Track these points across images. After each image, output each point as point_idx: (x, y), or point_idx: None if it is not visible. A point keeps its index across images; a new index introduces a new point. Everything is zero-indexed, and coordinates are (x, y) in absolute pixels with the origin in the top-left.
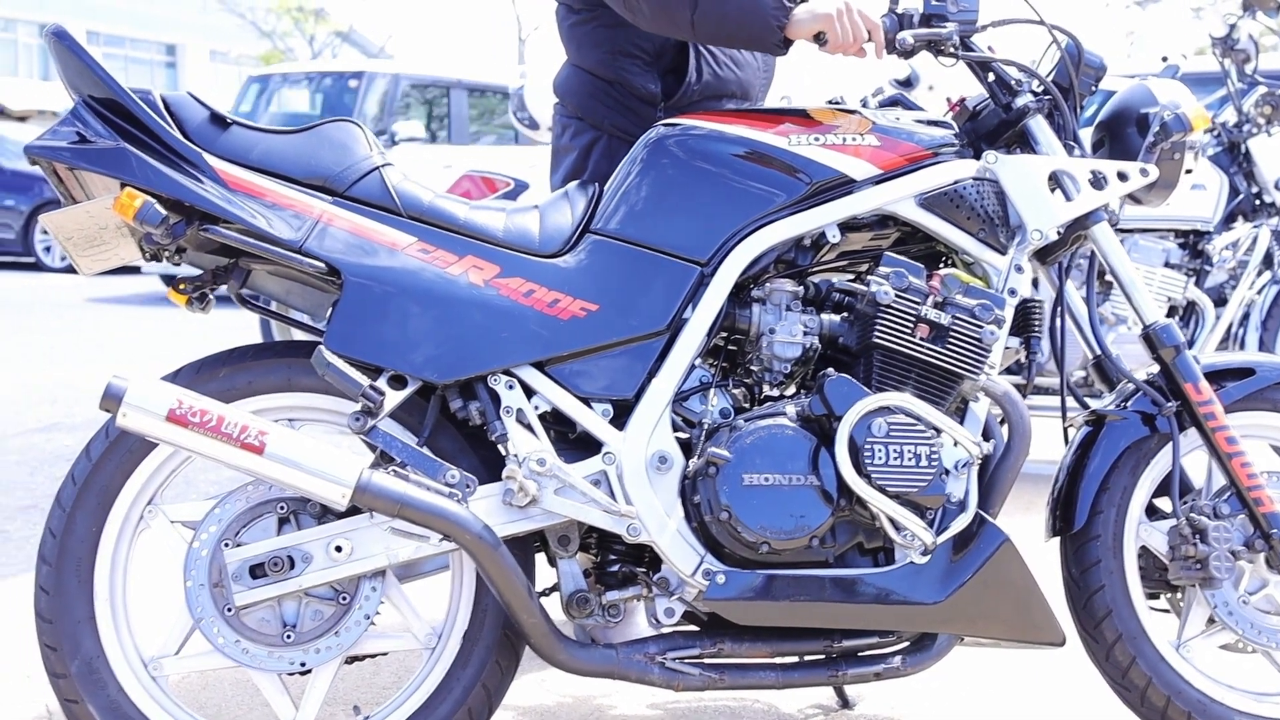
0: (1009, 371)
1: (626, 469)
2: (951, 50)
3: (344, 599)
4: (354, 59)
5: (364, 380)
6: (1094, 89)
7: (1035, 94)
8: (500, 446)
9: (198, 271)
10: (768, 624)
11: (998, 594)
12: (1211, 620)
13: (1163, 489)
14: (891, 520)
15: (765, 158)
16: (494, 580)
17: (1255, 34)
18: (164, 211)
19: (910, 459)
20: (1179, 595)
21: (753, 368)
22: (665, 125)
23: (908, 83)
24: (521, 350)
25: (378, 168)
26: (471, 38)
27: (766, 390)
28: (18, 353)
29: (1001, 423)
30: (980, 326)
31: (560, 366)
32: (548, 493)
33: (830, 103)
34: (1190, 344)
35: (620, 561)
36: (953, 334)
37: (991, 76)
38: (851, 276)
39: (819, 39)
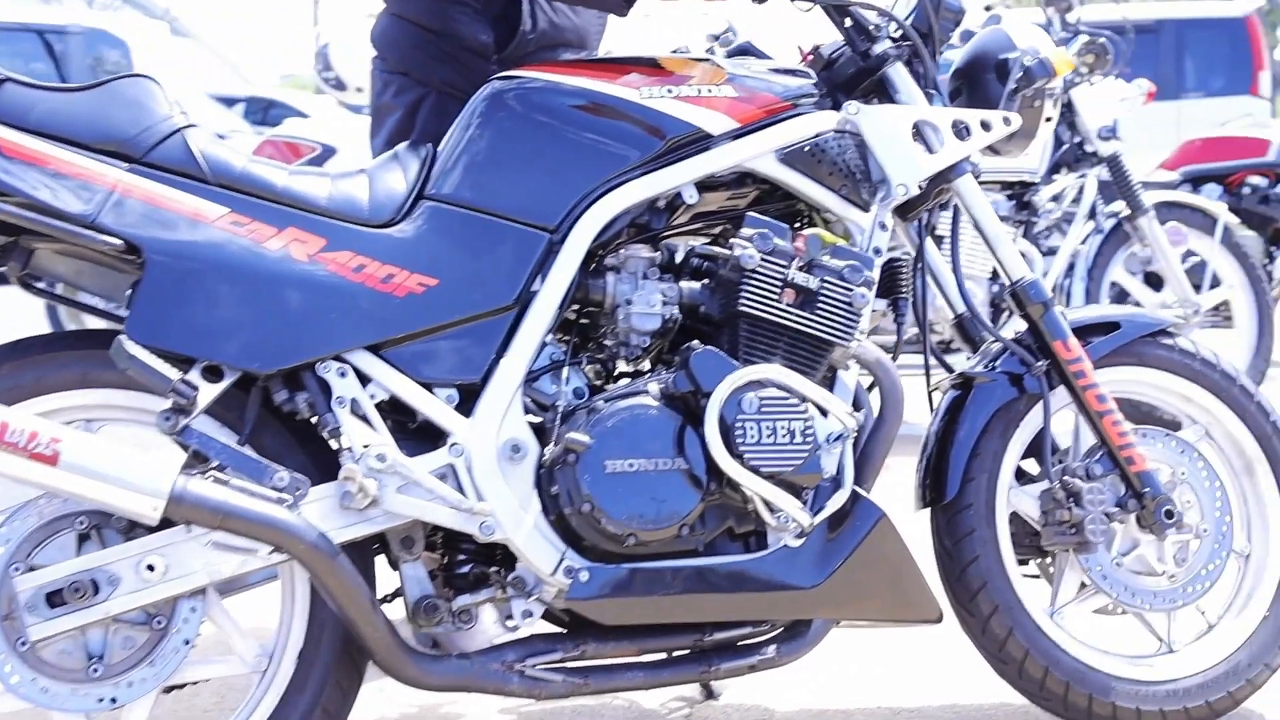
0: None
1: (476, 461)
2: None
3: (159, 623)
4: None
5: (173, 374)
6: (952, 34)
7: (894, 40)
8: (333, 442)
9: None
10: (636, 622)
11: (875, 573)
12: (1084, 585)
13: (1031, 451)
14: (766, 502)
15: (615, 112)
16: (332, 593)
17: None
18: None
19: (784, 436)
20: (1049, 561)
21: (607, 342)
22: (501, 79)
23: (727, 40)
24: (353, 333)
25: (180, 129)
26: None
27: (622, 366)
28: None
29: (871, 389)
30: (850, 290)
31: (398, 349)
32: (389, 491)
33: (676, 52)
34: None
35: (470, 561)
36: (822, 298)
37: (849, 22)
38: (706, 240)
39: None
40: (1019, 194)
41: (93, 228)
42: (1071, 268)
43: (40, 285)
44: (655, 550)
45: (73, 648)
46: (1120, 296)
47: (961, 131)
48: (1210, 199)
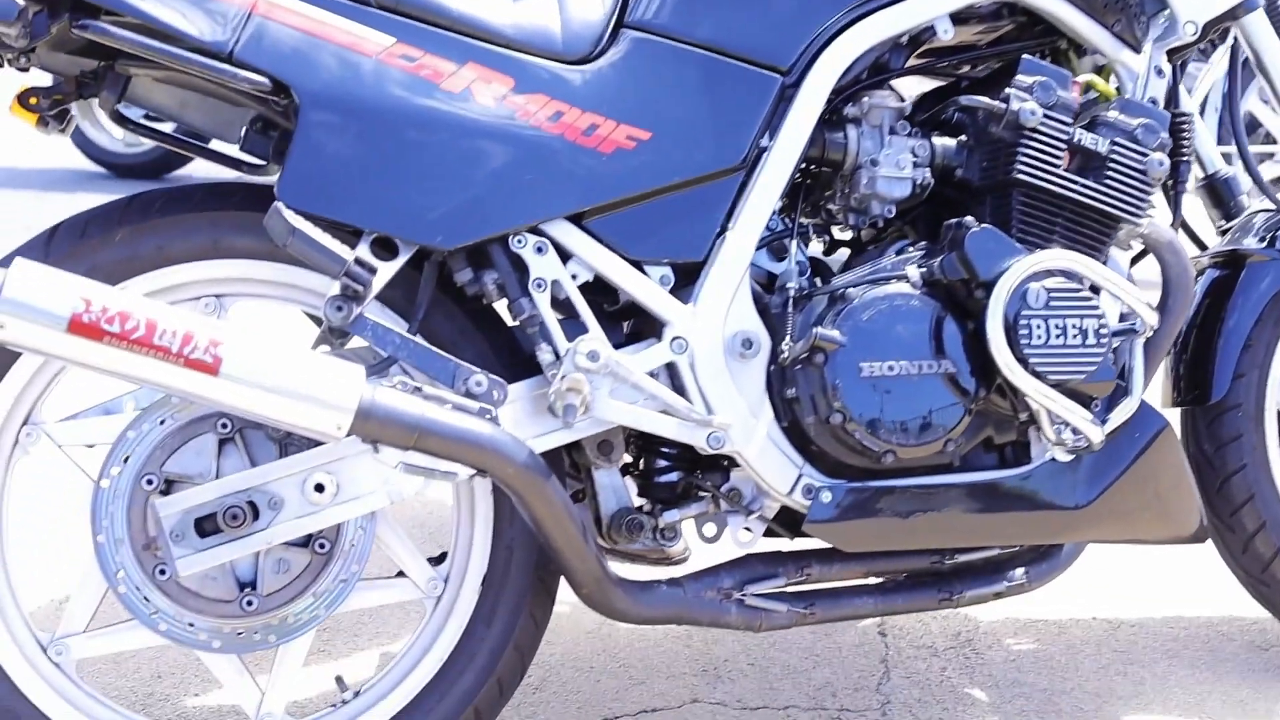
0: None
1: (700, 357)
2: None
3: (321, 546)
4: None
5: (347, 253)
6: None
7: None
8: (527, 332)
9: (52, 80)
10: (884, 549)
11: (1148, 489)
12: None
13: None
14: (1049, 414)
15: None
16: (541, 520)
17: None
18: None
19: (1075, 336)
20: None
21: (831, 208)
22: None
23: None
24: (554, 199)
25: None
26: None
27: (837, 236)
28: None
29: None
30: (1144, 155)
31: (604, 220)
32: (600, 395)
33: None
34: None
35: (674, 469)
36: (1112, 165)
37: None
38: (931, 89)
39: None
40: None
41: (231, 61)
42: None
43: (136, 119)
44: (907, 466)
45: (220, 574)
46: (1253, 127)
47: None
48: None
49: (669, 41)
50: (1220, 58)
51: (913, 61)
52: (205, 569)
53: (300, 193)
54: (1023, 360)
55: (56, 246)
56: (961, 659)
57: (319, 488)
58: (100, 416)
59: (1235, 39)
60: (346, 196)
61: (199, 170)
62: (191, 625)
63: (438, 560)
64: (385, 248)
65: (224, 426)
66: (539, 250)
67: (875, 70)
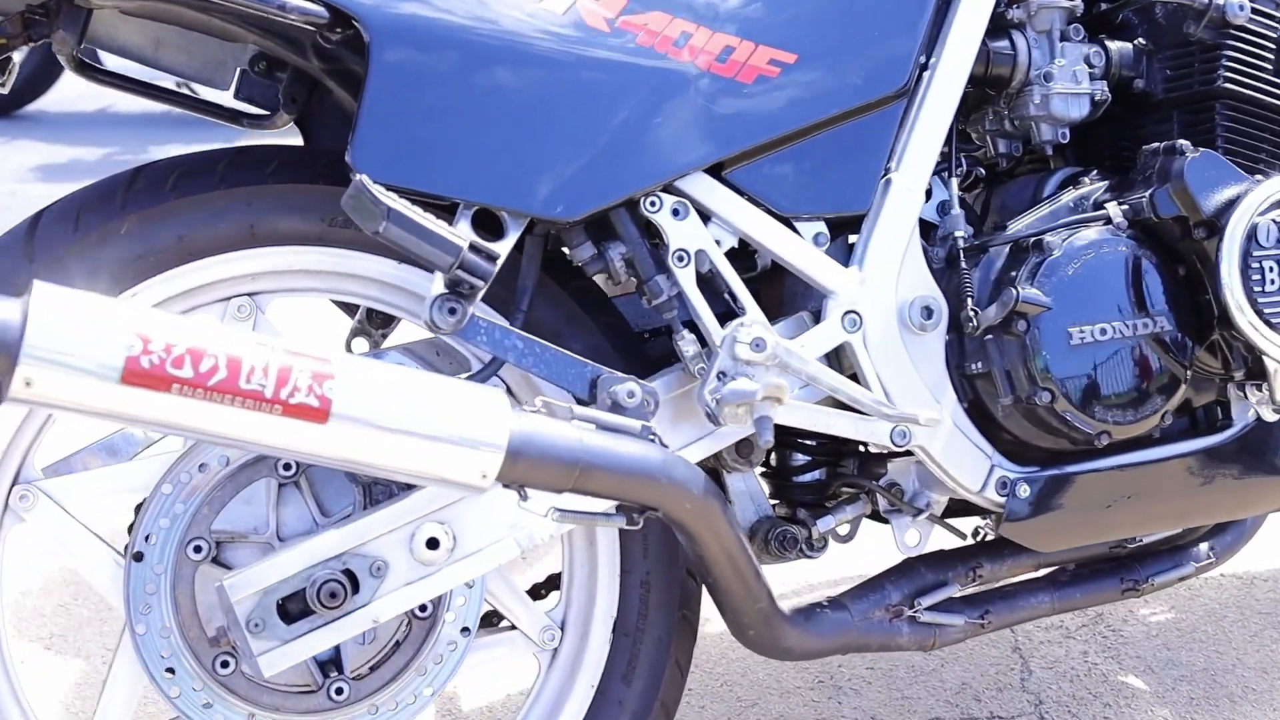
0: None
1: (872, 333)
2: None
3: (422, 609)
4: None
5: (459, 238)
6: None
7: None
8: (664, 317)
9: None
10: (1088, 542)
11: None
12: None
13: None
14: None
15: None
16: (714, 561)
17: None
18: None
19: None
20: None
21: (984, 134)
22: None
23: None
24: (693, 145)
25: None
26: None
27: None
28: None
29: None
30: None
31: (746, 169)
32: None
33: None
34: None
35: (815, 465)
36: None
37: None
38: None
39: None
40: None
41: None
42: None
43: (100, 67)
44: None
45: None
46: None
47: None
48: None
49: None
50: None
51: None
52: (295, 661)
53: (379, 160)
54: (1258, 310)
55: (40, 247)
56: (1099, 639)
57: (432, 543)
58: (104, 459)
59: None
60: (438, 163)
61: (55, 104)
62: None
63: (533, 593)
64: (487, 226)
65: (286, 469)
66: (676, 213)
67: None
